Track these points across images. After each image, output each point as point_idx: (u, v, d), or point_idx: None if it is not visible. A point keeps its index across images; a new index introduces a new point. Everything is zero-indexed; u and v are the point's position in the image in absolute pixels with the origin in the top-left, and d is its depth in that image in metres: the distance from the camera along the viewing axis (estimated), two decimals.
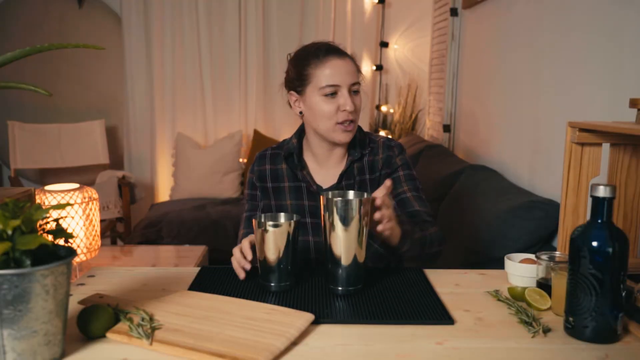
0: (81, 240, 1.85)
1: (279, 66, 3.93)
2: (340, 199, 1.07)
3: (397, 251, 1.27)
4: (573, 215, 1.24)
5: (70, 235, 0.85)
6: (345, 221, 1.07)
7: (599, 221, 0.89)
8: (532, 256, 1.18)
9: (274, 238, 1.10)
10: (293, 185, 1.41)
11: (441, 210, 2.30)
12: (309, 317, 0.95)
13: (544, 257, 1.10)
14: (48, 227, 0.84)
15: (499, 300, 1.08)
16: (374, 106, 4.15)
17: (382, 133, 3.94)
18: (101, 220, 2.52)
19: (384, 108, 4.11)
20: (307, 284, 1.17)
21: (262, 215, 1.16)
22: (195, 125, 3.98)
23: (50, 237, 0.83)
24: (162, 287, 1.16)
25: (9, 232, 0.76)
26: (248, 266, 1.19)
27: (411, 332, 0.94)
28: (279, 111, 4.00)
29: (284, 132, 3.99)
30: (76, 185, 1.91)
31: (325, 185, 1.41)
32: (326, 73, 1.30)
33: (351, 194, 1.15)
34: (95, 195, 1.92)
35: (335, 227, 1.07)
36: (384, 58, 4.11)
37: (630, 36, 1.45)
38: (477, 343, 0.90)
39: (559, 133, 1.76)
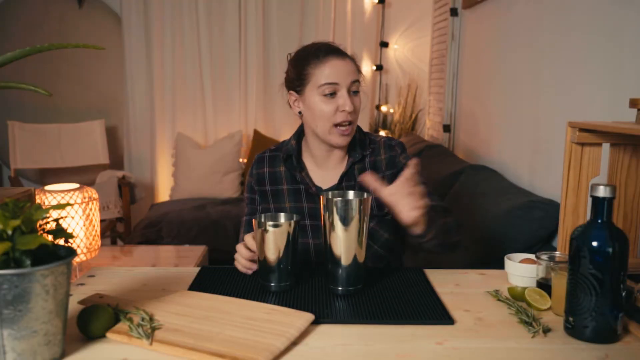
0: (81, 240, 1.85)
1: (279, 66, 3.92)
2: (340, 199, 1.07)
3: (422, 239, 1.22)
4: (573, 215, 1.24)
5: (70, 235, 0.85)
6: (345, 221, 1.07)
7: (599, 221, 0.89)
8: (532, 256, 1.18)
9: (274, 238, 1.10)
10: (292, 187, 1.41)
11: None
12: (309, 317, 0.95)
13: (544, 257, 1.10)
14: (48, 227, 0.84)
15: (499, 300, 1.08)
16: (374, 106, 4.15)
17: (382, 133, 3.94)
18: (101, 220, 2.52)
19: (384, 108, 4.11)
20: (307, 284, 1.17)
21: (262, 215, 1.15)
22: (195, 125, 3.98)
23: (50, 237, 0.83)
24: (162, 287, 1.16)
25: (9, 232, 0.76)
26: (255, 267, 1.20)
27: (411, 332, 0.93)
28: (279, 111, 4.00)
29: (284, 132, 4.00)
30: (76, 185, 1.91)
31: (325, 187, 1.40)
32: (325, 72, 1.30)
33: (351, 194, 1.14)
34: (95, 195, 1.92)
35: (335, 227, 1.07)
36: (384, 58, 4.11)
37: (630, 36, 1.45)
38: (477, 343, 0.90)
39: (559, 133, 1.76)
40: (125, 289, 1.14)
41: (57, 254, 0.82)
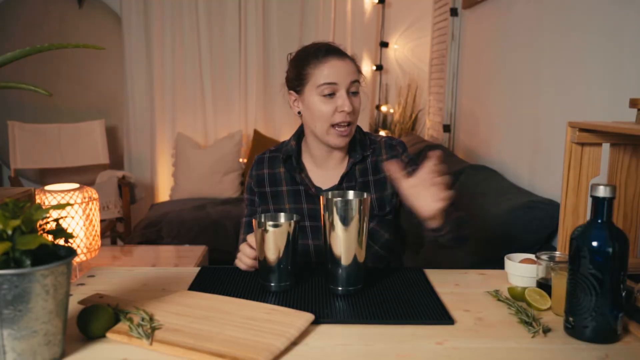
0: (81, 240, 1.85)
1: (279, 66, 3.92)
2: (340, 199, 1.07)
3: (438, 233, 1.21)
4: (573, 215, 1.24)
5: (70, 235, 0.85)
6: (345, 221, 1.07)
7: (599, 221, 0.89)
8: (532, 256, 1.18)
9: (274, 238, 1.10)
10: (291, 189, 1.41)
11: None
12: (309, 317, 0.95)
13: (544, 257, 1.10)
14: (48, 227, 0.84)
15: (499, 300, 1.08)
16: (374, 106, 4.15)
17: (382, 133, 3.94)
18: (101, 220, 2.52)
19: (384, 108, 4.11)
20: (307, 284, 1.17)
21: (262, 215, 1.15)
22: (195, 125, 3.98)
23: (50, 237, 0.83)
24: (162, 287, 1.16)
25: (9, 232, 0.76)
26: (256, 264, 1.20)
27: (411, 332, 0.93)
28: (279, 111, 4.00)
29: (284, 132, 4.00)
30: (76, 185, 1.91)
31: (325, 188, 1.40)
32: (324, 72, 1.30)
33: (351, 194, 1.14)
34: (95, 195, 1.92)
35: (335, 227, 1.07)
36: (384, 58, 4.11)
37: (630, 36, 1.45)
38: (477, 343, 0.90)
39: (559, 133, 1.76)
40: (125, 289, 1.14)
41: (57, 254, 0.82)
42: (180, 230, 3.06)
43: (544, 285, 1.08)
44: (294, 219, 1.13)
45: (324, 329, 0.95)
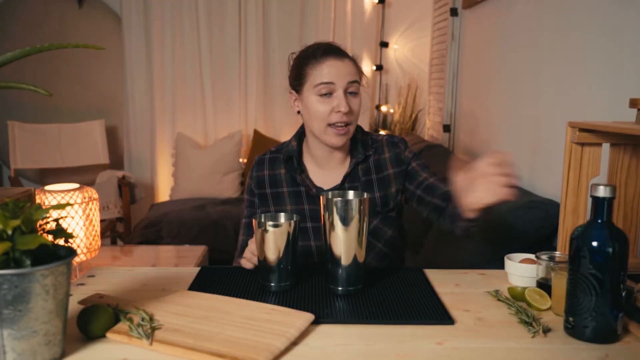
0: (81, 240, 1.85)
1: (279, 66, 3.93)
2: (340, 199, 1.07)
3: (473, 223, 1.20)
4: (573, 215, 1.24)
5: (70, 235, 0.85)
6: (345, 221, 1.07)
7: (599, 221, 0.89)
8: (532, 256, 1.18)
9: (274, 238, 1.10)
10: (292, 190, 1.40)
11: None
12: (309, 317, 0.95)
13: (544, 257, 1.10)
14: (48, 227, 0.84)
15: (499, 300, 1.08)
16: (374, 106, 4.15)
17: (382, 133, 3.94)
18: (101, 220, 2.52)
19: (384, 108, 4.12)
20: (307, 284, 1.17)
21: (262, 215, 1.15)
22: (195, 125, 3.98)
23: (50, 237, 0.83)
24: (162, 287, 1.16)
25: (9, 232, 0.76)
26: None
27: (411, 332, 0.93)
28: (279, 111, 4.00)
29: (284, 132, 4.00)
30: (76, 185, 1.91)
31: (326, 188, 1.39)
32: (322, 72, 1.30)
33: (351, 194, 1.15)
34: (95, 195, 1.92)
35: (335, 227, 1.07)
36: (384, 58, 4.11)
37: (630, 36, 1.45)
38: (477, 343, 0.90)
39: (559, 133, 1.76)
40: (125, 289, 1.14)
41: (57, 254, 0.82)
42: (180, 230, 3.06)
43: (544, 285, 1.08)
44: (294, 219, 1.13)
45: (324, 329, 0.95)
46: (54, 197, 1.81)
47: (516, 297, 1.08)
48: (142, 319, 0.92)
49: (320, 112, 1.31)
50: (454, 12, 3.17)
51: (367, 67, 4.05)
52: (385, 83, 4.16)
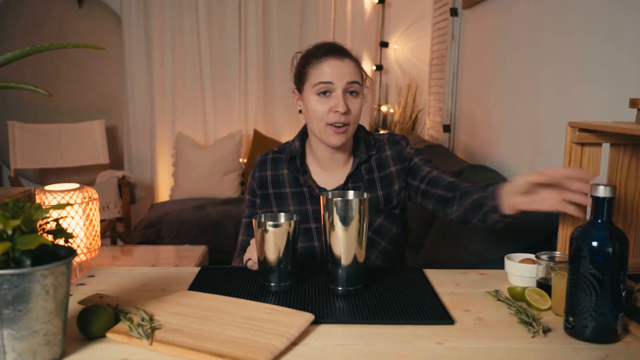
0: (81, 240, 1.85)
1: (279, 66, 3.93)
2: (340, 199, 1.07)
3: (506, 219, 1.19)
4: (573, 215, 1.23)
5: (70, 235, 0.85)
6: (345, 221, 1.07)
7: (599, 221, 0.89)
8: (532, 256, 1.18)
9: (274, 238, 1.10)
10: (295, 191, 1.40)
11: None
12: (309, 317, 0.95)
13: (544, 257, 1.10)
14: (48, 227, 0.84)
15: (499, 300, 1.08)
16: (374, 106, 4.15)
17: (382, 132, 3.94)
18: (101, 220, 2.52)
19: (384, 108, 4.12)
20: (307, 284, 1.17)
21: (262, 215, 1.15)
22: (195, 125, 3.98)
23: (50, 237, 0.83)
24: (162, 287, 1.16)
25: (9, 232, 0.76)
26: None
27: (411, 332, 0.93)
28: (279, 111, 4.00)
29: (284, 132, 4.00)
30: (76, 185, 1.91)
31: (329, 189, 1.39)
32: (321, 72, 1.30)
33: (351, 194, 1.15)
34: (95, 195, 1.92)
35: (335, 227, 1.07)
36: (384, 58, 4.12)
37: (630, 36, 1.45)
38: (477, 343, 0.90)
39: (559, 133, 1.76)
40: (125, 289, 1.14)
41: (57, 254, 0.82)
42: (180, 230, 3.06)
43: (544, 285, 1.08)
44: (294, 218, 1.13)
45: (324, 329, 0.95)
46: (54, 197, 1.81)
47: (516, 297, 1.08)
48: (142, 319, 0.92)
49: (319, 112, 1.31)
50: (454, 12, 3.17)
51: (367, 67, 4.05)
52: (385, 83, 4.16)
